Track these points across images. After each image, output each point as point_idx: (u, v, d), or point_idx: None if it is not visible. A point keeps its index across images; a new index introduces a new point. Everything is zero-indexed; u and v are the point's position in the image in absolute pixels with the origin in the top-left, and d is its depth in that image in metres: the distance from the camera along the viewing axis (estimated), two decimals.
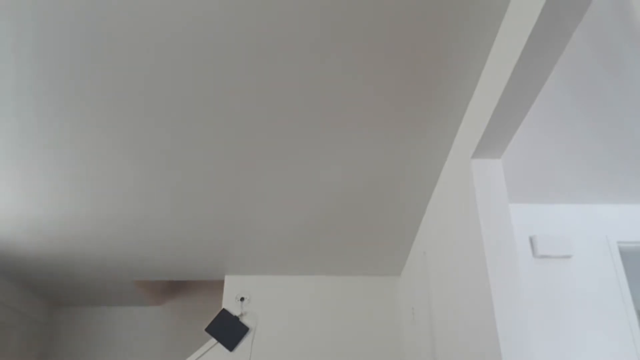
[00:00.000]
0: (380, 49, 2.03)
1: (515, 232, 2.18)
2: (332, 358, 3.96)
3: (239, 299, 4.17)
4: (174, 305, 5.20)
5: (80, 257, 3.97)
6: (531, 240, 2.98)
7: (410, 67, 2.12)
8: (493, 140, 2.17)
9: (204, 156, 2.72)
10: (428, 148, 2.66)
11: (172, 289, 5.28)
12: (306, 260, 4.02)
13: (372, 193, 3.08)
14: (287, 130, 2.52)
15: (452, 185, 2.65)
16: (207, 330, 4.03)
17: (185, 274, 4.38)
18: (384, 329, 4.08)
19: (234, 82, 2.20)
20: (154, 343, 4.92)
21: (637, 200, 3.06)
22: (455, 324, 2.58)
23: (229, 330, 4.02)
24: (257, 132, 2.53)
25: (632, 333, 2.75)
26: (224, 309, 4.12)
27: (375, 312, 4.15)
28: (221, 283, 4.32)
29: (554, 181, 2.87)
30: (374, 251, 3.86)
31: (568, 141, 2.53)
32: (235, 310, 4.12)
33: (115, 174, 2.85)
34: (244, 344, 4.01)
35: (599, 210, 3.09)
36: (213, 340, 4.01)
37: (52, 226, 3.45)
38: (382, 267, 4.14)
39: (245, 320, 4.08)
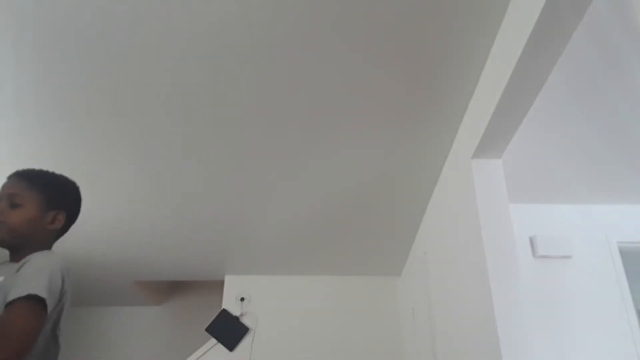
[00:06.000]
0: (380, 50, 2.03)
1: (515, 232, 2.18)
2: (332, 358, 3.96)
3: (239, 299, 4.16)
4: (174, 305, 5.20)
5: (81, 258, 3.97)
6: (531, 240, 2.98)
7: (410, 67, 2.12)
8: (493, 140, 2.17)
9: (203, 157, 2.72)
10: (428, 148, 2.65)
11: (172, 289, 5.28)
12: (306, 260, 4.02)
13: (372, 193, 3.08)
14: (287, 131, 2.52)
15: (452, 186, 2.65)
16: (207, 330, 4.03)
17: (185, 274, 4.38)
18: (384, 329, 4.08)
19: (233, 83, 2.20)
20: (154, 343, 4.92)
21: (637, 200, 3.06)
22: (455, 324, 2.58)
23: (229, 330, 4.02)
24: (256, 133, 2.53)
25: (632, 333, 2.75)
26: (224, 309, 4.12)
27: (375, 312, 4.15)
28: (221, 283, 4.32)
29: (554, 181, 2.87)
30: (374, 251, 3.86)
31: (568, 141, 2.52)
32: (235, 311, 4.12)
33: (115, 174, 2.85)
34: (244, 344, 4.01)
35: (599, 210, 3.08)
36: (213, 340, 4.01)
37: None
38: (382, 267, 4.14)
39: (245, 320, 4.08)
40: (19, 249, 1.39)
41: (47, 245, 1.45)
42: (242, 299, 4.16)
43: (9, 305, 1.16)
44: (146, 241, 3.69)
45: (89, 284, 4.54)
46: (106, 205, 3.18)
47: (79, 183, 1.61)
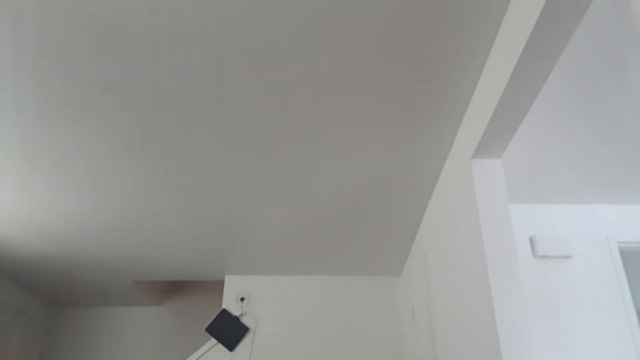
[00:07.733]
0: (380, 50, 2.03)
1: (515, 232, 2.18)
2: (332, 358, 3.96)
3: (239, 299, 4.17)
4: (174, 305, 5.20)
5: (81, 258, 3.97)
6: (531, 240, 2.98)
7: (411, 67, 2.12)
8: (493, 140, 2.17)
9: (204, 156, 2.72)
10: (428, 148, 2.66)
11: (172, 289, 5.28)
12: (306, 260, 4.02)
13: (372, 193, 3.08)
14: (287, 131, 2.52)
15: (452, 185, 2.65)
16: (207, 330, 4.03)
17: (185, 274, 4.38)
18: (384, 329, 4.08)
19: (233, 82, 2.20)
20: (154, 343, 4.92)
21: (637, 200, 3.06)
22: (455, 324, 2.58)
23: (229, 330, 4.02)
24: (257, 132, 2.53)
25: (632, 333, 2.75)
26: (224, 309, 4.12)
27: (375, 312, 4.15)
28: (221, 283, 4.32)
29: (554, 181, 2.87)
30: (374, 251, 3.86)
31: (568, 141, 2.53)
32: (235, 311, 4.12)
33: (115, 174, 2.85)
34: (244, 344, 4.01)
35: (599, 210, 3.08)
36: (213, 340, 4.02)
37: (53, 227, 3.45)
38: (382, 267, 4.14)
39: (245, 321, 4.08)
40: None
41: None
42: (242, 299, 4.16)
43: None
44: (146, 241, 3.69)
45: (89, 284, 4.55)
46: (106, 205, 3.18)
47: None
